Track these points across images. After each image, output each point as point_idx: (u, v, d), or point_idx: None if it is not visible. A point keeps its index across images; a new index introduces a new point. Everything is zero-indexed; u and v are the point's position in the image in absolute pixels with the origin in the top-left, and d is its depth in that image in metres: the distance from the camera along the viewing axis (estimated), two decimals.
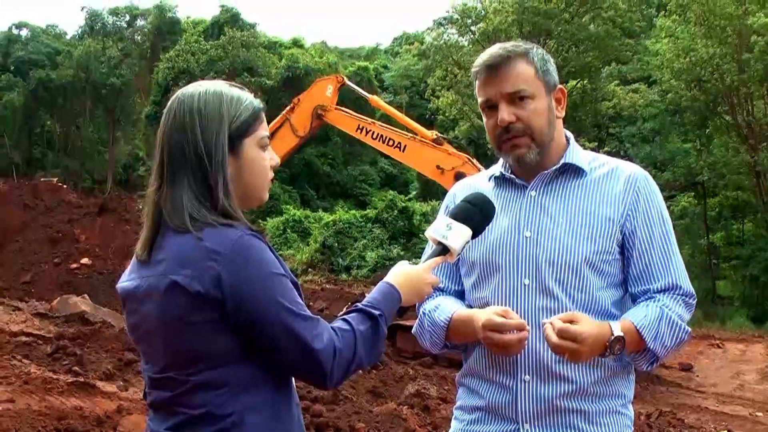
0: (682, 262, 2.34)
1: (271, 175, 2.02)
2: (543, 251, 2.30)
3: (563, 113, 2.42)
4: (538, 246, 2.31)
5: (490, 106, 2.36)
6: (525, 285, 2.31)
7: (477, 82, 2.40)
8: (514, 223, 2.36)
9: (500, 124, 2.32)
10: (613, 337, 2.16)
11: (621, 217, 2.30)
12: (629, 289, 2.33)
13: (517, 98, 2.31)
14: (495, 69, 2.33)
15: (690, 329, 2.29)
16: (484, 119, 2.40)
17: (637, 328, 2.21)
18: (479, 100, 2.40)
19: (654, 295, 2.29)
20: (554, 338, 2.12)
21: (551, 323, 2.14)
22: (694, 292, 2.32)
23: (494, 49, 2.36)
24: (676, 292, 2.28)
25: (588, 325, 2.14)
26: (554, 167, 2.37)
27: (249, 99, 1.96)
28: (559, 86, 2.40)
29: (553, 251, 2.29)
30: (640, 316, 2.24)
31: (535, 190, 2.38)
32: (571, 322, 2.13)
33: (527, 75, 2.32)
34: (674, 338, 2.25)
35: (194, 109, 1.89)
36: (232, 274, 1.77)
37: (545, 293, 2.29)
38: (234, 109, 1.92)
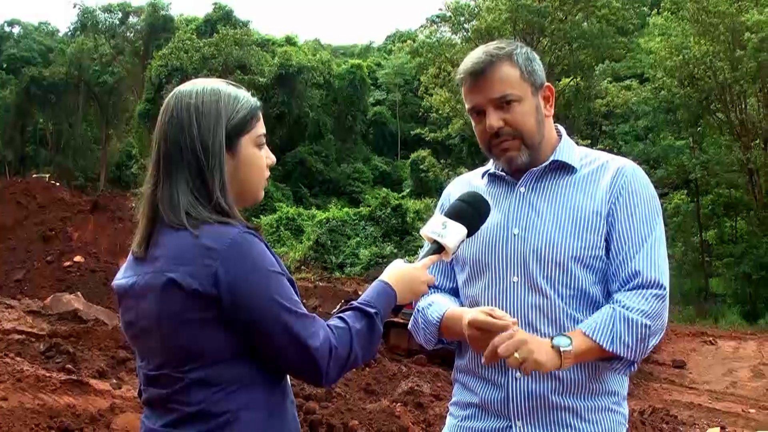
0: (657, 253, 2.26)
1: (267, 173, 2.02)
2: (530, 248, 2.29)
3: (552, 111, 2.40)
4: (526, 243, 2.30)
5: (478, 112, 2.35)
6: (513, 282, 2.30)
7: (462, 88, 2.39)
8: (503, 220, 2.36)
9: (489, 130, 2.32)
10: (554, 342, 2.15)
11: (606, 208, 2.29)
12: (609, 285, 2.29)
13: (504, 102, 2.29)
14: (479, 75, 2.31)
15: (650, 323, 2.18)
16: (473, 124, 2.39)
17: (587, 333, 2.17)
18: (467, 105, 2.39)
19: (614, 293, 2.24)
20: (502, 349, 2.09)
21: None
22: (662, 283, 2.23)
23: (477, 54, 2.34)
24: (637, 283, 2.21)
25: (524, 334, 2.15)
26: (544, 164, 2.37)
27: (246, 97, 1.97)
28: (546, 84, 2.38)
29: (540, 247, 2.28)
30: (589, 322, 2.20)
31: (524, 187, 2.38)
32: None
33: (512, 78, 2.30)
34: (634, 336, 2.17)
35: (191, 106, 1.89)
36: (228, 272, 1.76)
37: (534, 290, 2.28)
38: (231, 107, 1.92)
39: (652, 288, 2.21)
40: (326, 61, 53.65)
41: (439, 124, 40.11)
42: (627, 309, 2.18)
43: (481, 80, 2.32)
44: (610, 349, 2.16)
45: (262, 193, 2.03)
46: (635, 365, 2.27)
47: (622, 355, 2.18)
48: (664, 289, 2.23)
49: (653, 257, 2.25)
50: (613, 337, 2.16)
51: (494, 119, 2.30)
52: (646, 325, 2.18)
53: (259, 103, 1.99)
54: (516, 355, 2.07)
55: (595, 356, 2.20)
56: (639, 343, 2.18)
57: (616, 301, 2.21)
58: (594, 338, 2.16)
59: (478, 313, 2.20)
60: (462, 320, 2.27)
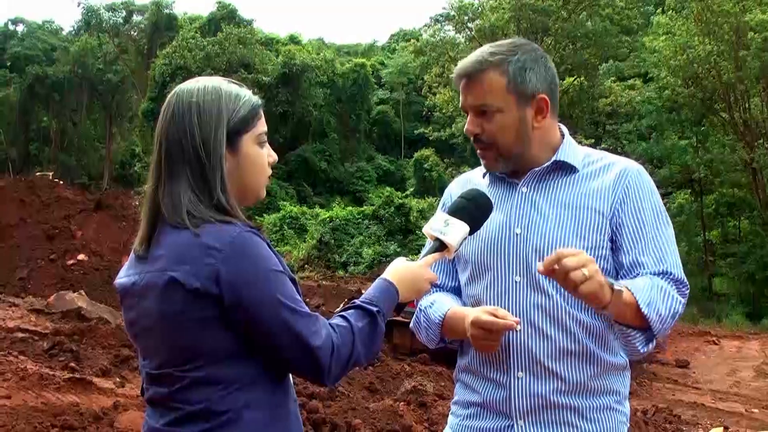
0: (676, 253, 2.30)
1: (268, 172, 2.01)
2: (533, 247, 2.29)
3: (543, 123, 2.35)
4: (528, 242, 2.30)
5: (467, 112, 2.37)
6: (516, 282, 2.30)
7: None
8: (505, 220, 2.35)
9: (466, 134, 2.35)
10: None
11: (610, 210, 2.28)
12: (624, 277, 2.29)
13: (484, 111, 2.30)
14: (466, 78, 2.33)
15: (683, 301, 2.23)
16: None
17: (630, 289, 2.14)
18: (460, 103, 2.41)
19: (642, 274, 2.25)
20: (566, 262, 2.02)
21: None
22: (686, 281, 2.27)
23: (472, 56, 2.34)
24: (668, 277, 2.24)
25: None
26: (546, 164, 2.36)
27: (248, 95, 1.96)
28: (541, 95, 2.32)
29: (542, 247, 2.27)
30: (628, 282, 2.18)
31: (526, 187, 2.37)
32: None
33: (496, 88, 2.28)
34: (668, 307, 2.18)
35: (192, 104, 1.89)
36: (230, 271, 1.76)
37: (536, 290, 2.27)
38: (233, 106, 1.92)
39: (680, 285, 2.25)
40: (330, 59, 53.68)
41: (443, 123, 40.14)
42: (663, 283, 2.21)
43: (468, 84, 2.33)
44: (645, 312, 2.14)
45: (264, 192, 2.03)
46: (652, 343, 2.26)
47: (652, 321, 2.16)
48: (687, 287, 2.28)
49: (676, 258, 2.29)
50: (650, 301, 2.15)
51: (471, 124, 2.33)
52: (678, 300, 2.21)
53: (260, 101, 1.99)
54: (584, 270, 2.01)
55: (628, 316, 2.16)
56: (669, 315, 2.19)
57: (651, 276, 2.23)
58: (635, 296, 2.14)
59: (481, 313, 2.20)
60: (465, 320, 2.26)
